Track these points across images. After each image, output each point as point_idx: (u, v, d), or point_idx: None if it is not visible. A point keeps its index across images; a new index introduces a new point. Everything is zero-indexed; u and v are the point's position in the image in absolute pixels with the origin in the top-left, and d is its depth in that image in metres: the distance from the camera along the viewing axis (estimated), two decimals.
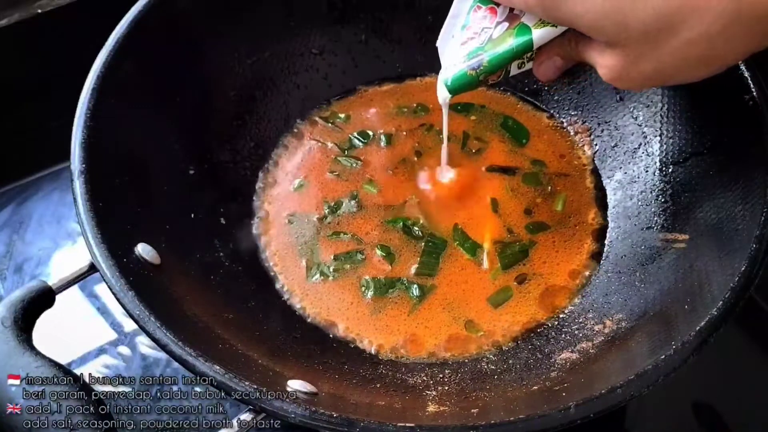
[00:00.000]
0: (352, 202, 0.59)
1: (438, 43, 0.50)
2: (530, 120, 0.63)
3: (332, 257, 0.56)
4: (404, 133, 0.63)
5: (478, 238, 0.56)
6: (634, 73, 0.38)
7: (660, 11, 0.35)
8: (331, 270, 0.56)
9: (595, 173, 0.60)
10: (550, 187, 0.59)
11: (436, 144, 0.61)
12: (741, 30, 0.35)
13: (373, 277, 0.55)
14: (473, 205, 0.58)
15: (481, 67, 0.46)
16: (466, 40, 0.48)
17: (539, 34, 0.43)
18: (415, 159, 0.61)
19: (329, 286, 0.55)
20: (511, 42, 0.45)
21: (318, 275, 0.56)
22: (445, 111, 0.53)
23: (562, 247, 0.56)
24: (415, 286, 0.54)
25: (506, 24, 0.46)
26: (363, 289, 0.55)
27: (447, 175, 0.59)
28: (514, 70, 0.47)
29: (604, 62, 0.39)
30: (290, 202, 0.60)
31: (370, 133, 0.63)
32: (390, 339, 0.52)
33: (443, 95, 0.50)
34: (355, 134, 0.63)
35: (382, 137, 0.62)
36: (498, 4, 0.46)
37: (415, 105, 0.64)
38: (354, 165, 0.61)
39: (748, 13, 0.34)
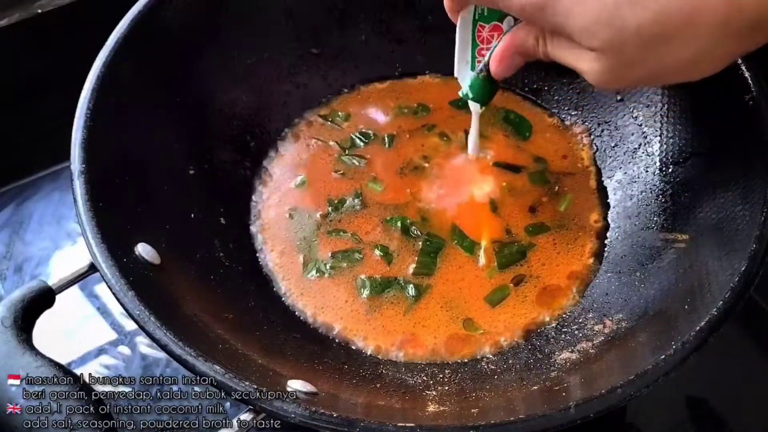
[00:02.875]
0: (356, 200, 0.59)
1: (456, 74, 0.52)
2: (531, 118, 0.63)
3: (330, 255, 0.56)
4: (407, 135, 0.63)
5: (477, 238, 0.56)
6: (627, 77, 0.39)
7: (655, 19, 0.36)
8: (328, 267, 0.56)
9: (596, 173, 0.60)
10: (557, 187, 0.59)
11: (438, 144, 0.62)
12: (731, 37, 0.36)
13: (368, 276, 0.55)
14: (473, 205, 0.58)
15: (482, 65, 0.49)
16: (479, 64, 0.50)
17: None
18: (418, 160, 0.61)
19: (325, 284, 0.55)
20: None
21: (314, 272, 0.56)
22: (474, 117, 0.57)
23: (564, 249, 0.56)
24: (411, 285, 0.54)
25: None
26: (359, 288, 0.55)
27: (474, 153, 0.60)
28: None
29: (593, 68, 0.39)
30: (291, 198, 0.60)
31: (371, 132, 0.63)
32: (388, 338, 0.52)
33: (473, 105, 0.54)
34: (357, 133, 0.63)
35: (385, 137, 0.62)
36: (502, 20, 0.48)
37: (415, 105, 0.64)
38: (358, 163, 0.61)
39: (737, 23, 0.35)
